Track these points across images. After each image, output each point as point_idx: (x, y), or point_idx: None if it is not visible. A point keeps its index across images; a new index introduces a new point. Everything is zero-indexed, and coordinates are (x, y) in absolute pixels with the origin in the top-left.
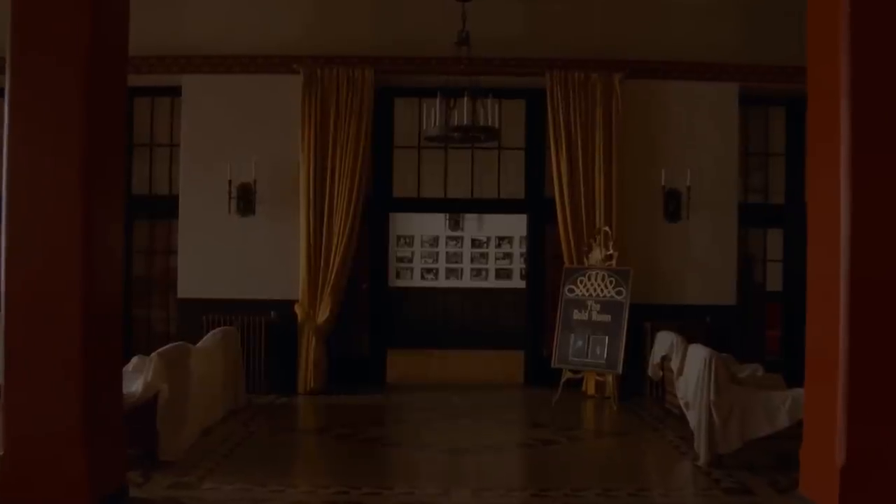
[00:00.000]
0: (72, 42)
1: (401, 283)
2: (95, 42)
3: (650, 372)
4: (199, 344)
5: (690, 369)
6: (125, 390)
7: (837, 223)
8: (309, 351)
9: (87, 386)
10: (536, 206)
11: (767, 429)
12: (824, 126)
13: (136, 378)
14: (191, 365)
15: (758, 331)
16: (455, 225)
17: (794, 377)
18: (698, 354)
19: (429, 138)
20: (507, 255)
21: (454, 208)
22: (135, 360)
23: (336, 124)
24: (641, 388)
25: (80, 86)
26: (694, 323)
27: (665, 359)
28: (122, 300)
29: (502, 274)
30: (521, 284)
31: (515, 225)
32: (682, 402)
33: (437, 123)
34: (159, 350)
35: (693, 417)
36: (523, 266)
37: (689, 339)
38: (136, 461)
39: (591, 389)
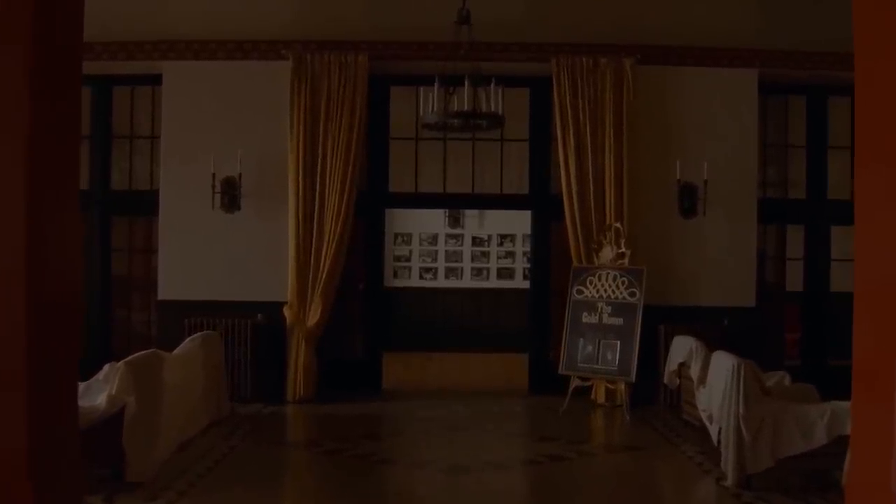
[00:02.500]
0: (13, 20)
1: (398, 282)
2: (40, 20)
3: (666, 379)
4: (176, 350)
5: (715, 379)
6: (91, 402)
7: (894, 220)
8: (298, 356)
9: (35, 402)
10: (542, 201)
11: (803, 446)
12: (877, 115)
13: (106, 389)
14: (164, 374)
15: (776, 334)
16: (455, 222)
17: (818, 384)
18: (724, 362)
19: (426, 126)
20: (510, 254)
21: (454, 204)
22: (106, 367)
23: (327, 114)
24: (655, 396)
25: (24, 68)
26: (710, 326)
27: (682, 365)
28: (78, 301)
29: (504, 274)
30: (524, 285)
31: (518, 222)
32: (703, 415)
33: (434, 109)
34: (127, 359)
35: (716, 431)
36: (526, 265)
37: (705, 343)
38: (101, 482)
39: (600, 397)
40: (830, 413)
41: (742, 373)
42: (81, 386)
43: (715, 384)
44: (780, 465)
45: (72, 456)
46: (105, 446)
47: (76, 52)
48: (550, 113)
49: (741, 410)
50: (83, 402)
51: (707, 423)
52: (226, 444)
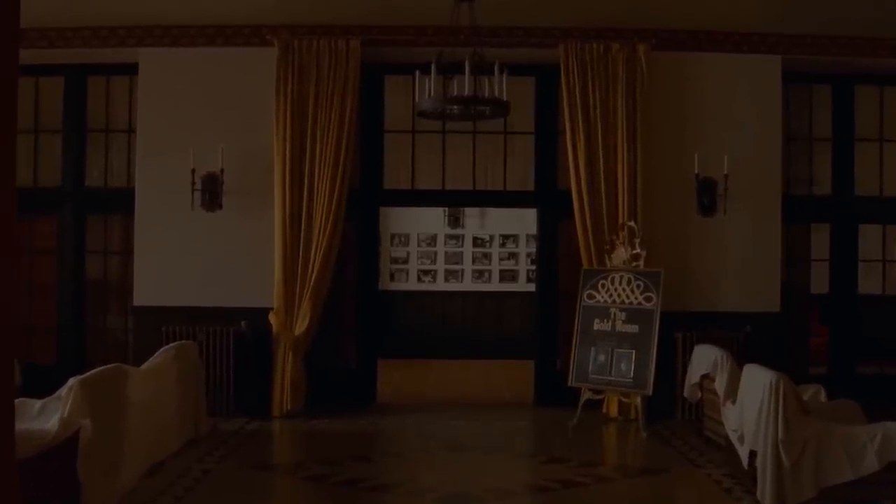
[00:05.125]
0: None
1: (395, 286)
2: None
3: (686, 392)
4: (147, 363)
5: (748, 395)
6: (44, 425)
7: None
8: (285, 367)
9: None
10: (549, 198)
11: (850, 473)
12: None
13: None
14: (128, 391)
15: (801, 340)
16: (455, 222)
17: (847, 393)
18: (759, 378)
19: (421, 113)
20: (513, 256)
21: (454, 202)
22: (70, 382)
23: (317, 104)
24: (672, 409)
25: None
26: (732, 333)
27: (705, 378)
28: (12, 313)
29: (506, 276)
30: (527, 287)
31: (521, 221)
32: (733, 435)
33: (431, 94)
34: (82, 376)
35: (747, 453)
36: (530, 268)
37: (731, 353)
38: None
39: (613, 411)
40: (882, 436)
41: (781, 391)
42: (37, 404)
43: (747, 402)
44: (824, 494)
45: (6, 490)
46: (59, 475)
47: (12, 42)
48: (558, 103)
49: (780, 433)
50: (36, 424)
51: (736, 444)
52: (200, 468)
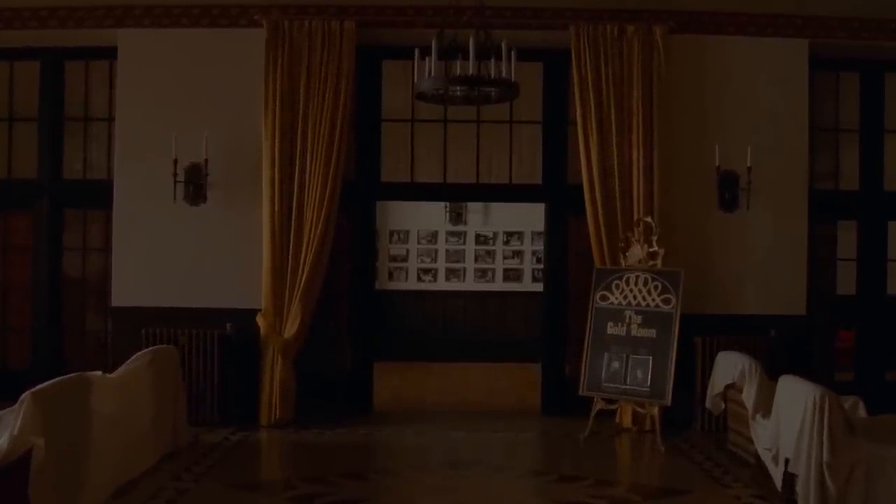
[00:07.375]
0: None
1: (394, 285)
2: None
3: (708, 403)
4: (118, 371)
5: (786, 412)
6: None
7: None
8: (274, 372)
9: None
10: (558, 193)
11: None
12: None
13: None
14: (92, 404)
15: (827, 345)
16: (457, 218)
17: (876, 402)
18: (798, 392)
19: (420, 96)
20: (517, 254)
21: (456, 196)
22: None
23: (308, 90)
24: (689, 419)
25: None
26: (755, 337)
27: (730, 388)
28: None
29: (511, 275)
30: (532, 287)
31: (526, 218)
32: (765, 454)
33: (432, 74)
34: (35, 388)
35: (781, 474)
36: (535, 266)
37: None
38: None
39: (626, 421)
40: None
41: (828, 409)
42: None
43: (785, 419)
44: None
45: None
46: (11, 498)
47: None
48: (568, 90)
49: (825, 456)
50: None
51: (770, 464)
52: (176, 487)
